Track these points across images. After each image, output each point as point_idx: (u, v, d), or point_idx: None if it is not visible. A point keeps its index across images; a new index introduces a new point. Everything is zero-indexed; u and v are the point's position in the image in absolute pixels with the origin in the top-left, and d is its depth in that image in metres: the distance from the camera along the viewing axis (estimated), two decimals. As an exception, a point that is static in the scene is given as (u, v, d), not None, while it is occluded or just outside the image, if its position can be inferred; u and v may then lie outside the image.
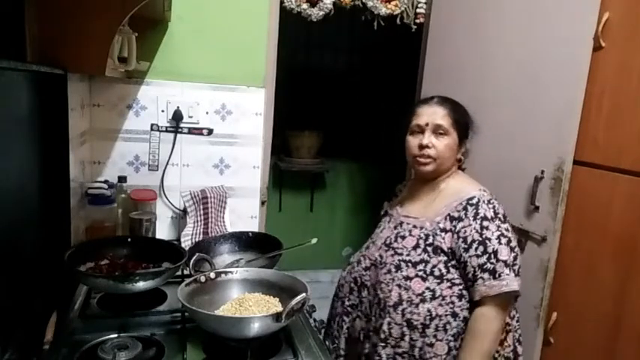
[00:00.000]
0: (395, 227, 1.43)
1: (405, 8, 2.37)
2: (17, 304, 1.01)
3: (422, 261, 1.32)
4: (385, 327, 1.32)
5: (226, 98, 1.84)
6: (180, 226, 1.82)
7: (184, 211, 1.78)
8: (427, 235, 1.34)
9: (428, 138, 1.36)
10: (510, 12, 1.80)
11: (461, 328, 1.29)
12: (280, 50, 1.94)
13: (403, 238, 1.38)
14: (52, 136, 1.23)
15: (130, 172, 1.77)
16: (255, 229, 1.90)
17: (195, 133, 1.83)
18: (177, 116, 1.78)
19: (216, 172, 1.87)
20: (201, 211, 1.74)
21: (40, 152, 1.17)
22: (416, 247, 1.34)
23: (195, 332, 1.11)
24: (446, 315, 1.29)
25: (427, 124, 1.36)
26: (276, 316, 1.01)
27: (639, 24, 1.40)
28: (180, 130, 1.80)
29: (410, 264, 1.33)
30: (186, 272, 1.35)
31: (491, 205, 1.31)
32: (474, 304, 1.29)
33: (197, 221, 1.74)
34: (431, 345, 1.29)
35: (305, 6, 2.26)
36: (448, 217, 1.33)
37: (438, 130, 1.36)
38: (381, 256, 1.40)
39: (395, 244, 1.38)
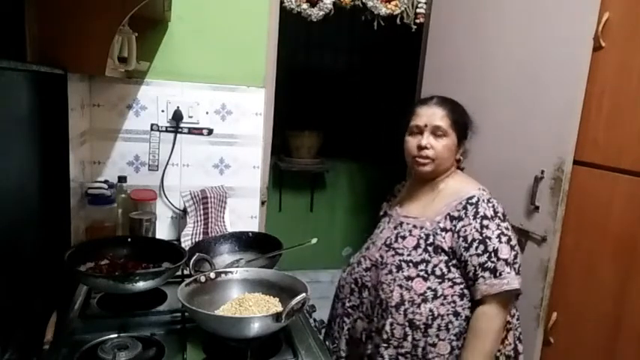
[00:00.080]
0: (395, 227, 1.43)
1: (405, 8, 2.37)
2: (17, 304, 1.01)
3: (423, 261, 1.33)
4: (387, 327, 1.32)
5: (226, 98, 1.84)
6: (180, 226, 1.82)
7: (184, 211, 1.78)
8: (427, 235, 1.34)
9: (426, 139, 1.36)
10: (510, 12, 1.80)
11: (463, 328, 1.29)
12: (280, 50, 1.94)
13: (403, 238, 1.38)
14: (52, 136, 1.23)
15: (130, 172, 1.77)
16: (255, 229, 1.90)
17: (195, 133, 1.83)
18: (177, 116, 1.78)
19: (216, 172, 1.87)
20: (201, 211, 1.74)
21: (40, 152, 1.17)
22: (416, 247, 1.35)
23: (195, 332, 1.11)
24: (448, 314, 1.29)
25: (426, 125, 1.36)
26: (276, 316, 1.01)
27: (639, 24, 1.40)
28: (180, 130, 1.80)
29: (411, 264, 1.33)
30: (186, 272, 1.35)
31: (490, 204, 1.32)
32: (475, 303, 1.29)
33: (197, 221, 1.74)
34: (433, 345, 1.29)
35: (305, 6, 2.26)
36: (448, 217, 1.33)
37: (436, 132, 1.36)
38: (381, 257, 1.40)
39: (395, 245, 1.39)
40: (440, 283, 1.31)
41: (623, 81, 1.43)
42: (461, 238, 1.30)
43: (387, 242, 1.41)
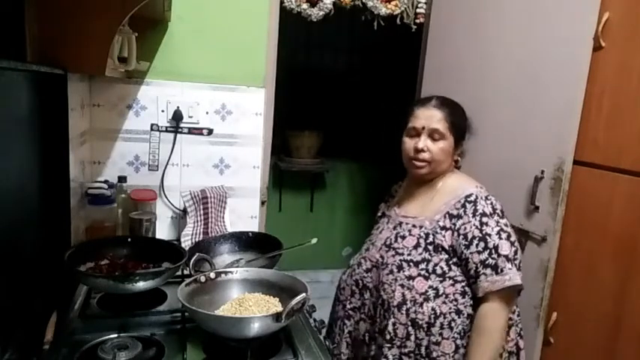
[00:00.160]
0: (394, 228, 1.43)
1: (405, 8, 2.37)
2: (17, 304, 1.01)
3: (423, 260, 1.33)
4: (390, 327, 1.32)
5: (226, 98, 1.84)
6: (180, 226, 1.82)
7: (184, 211, 1.78)
8: (427, 234, 1.35)
9: (423, 142, 1.36)
10: (510, 12, 1.80)
11: (466, 325, 1.30)
12: (280, 50, 1.94)
13: (403, 238, 1.38)
14: (52, 136, 1.23)
15: (130, 172, 1.77)
16: (255, 229, 1.90)
17: (195, 133, 1.83)
18: (177, 116, 1.78)
19: (216, 172, 1.87)
20: (201, 211, 1.74)
21: (40, 152, 1.17)
22: (417, 246, 1.35)
23: (195, 332, 1.11)
24: (450, 313, 1.29)
25: (423, 128, 1.37)
26: (276, 316, 1.01)
27: (639, 24, 1.40)
28: (180, 130, 1.80)
29: (412, 263, 1.33)
30: (186, 272, 1.35)
31: (489, 202, 1.32)
32: (477, 301, 1.29)
33: (197, 221, 1.74)
34: (437, 343, 1.29)
35: (305, 6, 2.26)
36: (447, 215, 1.34)
37: (433, 135, 1.36)
38: (382, 257, 1.40)
39: (395, 245, 1.39)
40: (441, 281, 1.31)
41: (623, 81, 1.43)
42: (461, 236, 1.30)
43: (387, 242, 1.41)
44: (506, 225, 1.31)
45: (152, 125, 1.78)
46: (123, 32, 1.33)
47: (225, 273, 1.24)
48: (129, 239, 1.46)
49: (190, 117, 1.80)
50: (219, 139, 1.85)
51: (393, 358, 1.32)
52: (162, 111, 1.78)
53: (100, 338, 1.07)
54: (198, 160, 1.85)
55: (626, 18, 1.44)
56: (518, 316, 1.39)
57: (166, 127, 1.80)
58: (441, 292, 1.30)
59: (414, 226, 1.38)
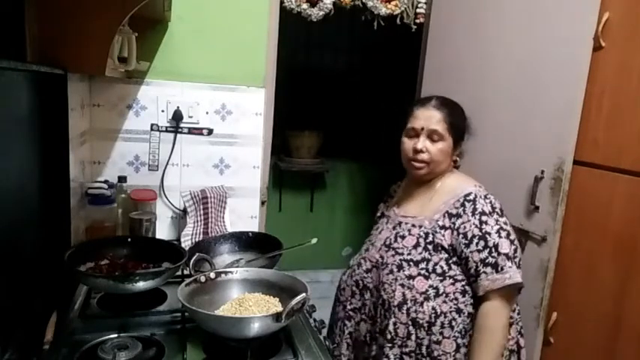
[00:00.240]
0: (394, 228, 1.43)
1: (405, 8, 2.37)
2: (17, 304, 1.01)
3: (423, 259, 1.33)
4: (391, 327, 1.32)
5: (226, 98, 1.84)
6: (180, 226, 1.82)
7: (184, 211, 1.78)
8: (427, 234, 1.35)
9: (422, 143, 1.36)
10: (510, 12, 1.80)
11: (467, 324, 1.30)
12: (280, 50, 1.94)
13: (403, 237, 1.38)
14: (52, 136, 1.23)
15: (130, 172, 1.77)
16: (255, 229, 1.90)
17: (195, 133, 1.83)
18: (177, 116, 1.78)
19: (216, 172, 1.87)
20: (201, 211, 1.74)
21: (40, 152, 1.17)
22: (416, 245, 1.35)
23: (195, 332, 1.11)
24: (450, 312, 1.30)
25: (422, 129, 1.37)
26: (276, 316, 1.01)
27: (639, 24, 1.40)
28: (180, 130, 1.80)
29: (412, 263, 1.33)
30: (186, 272, 1.35)
31: (488, 200, 1.33)
32: (477, 300, 1.30)
33: (197, 221, 1.74)
34: (438, 342, 1.29)
35: (305, 6, 2.26)
36: (446, 215, 1.34)
37: (432, 135, 1.36)
38: (382, 257, 1.40)
39: (395, 245, 1.39)
40: (441, 280, 1.31)
41: (623, 81, 1.43)
42: (460, 235, 1.30)
43: (387, 242, 1.41)
44: (505, 223, 1.31)
45: (152, 125, 1.78)
46: (123, 32, 1.33)
47: (225, 273, 1.24)
48: (129, 239, 1.46)
49: (190, 117, 1.80)
50: (219, 139, 1.85)
51: (394, 358, 1.32)
52: (162, 111, 1.78)
53: (100, 338, 1.07)
54: (198, 160, 1.85)
55: (626, 18, 1.43)
56: (518, 314, 1.40)
57: (166, 127, 1.80)
58: (441, 291, 1.30)
59: (413, 225, 1.39)
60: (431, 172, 1.39)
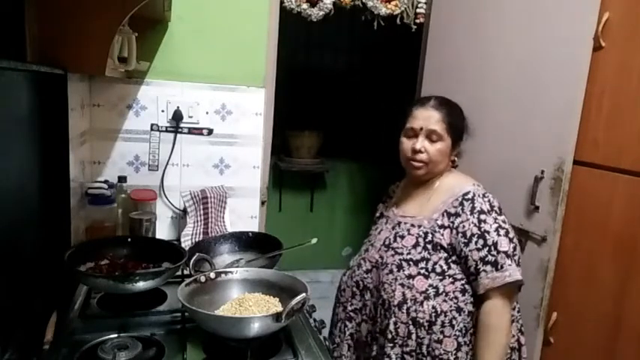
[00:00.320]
0: (393, 228, 1.43)
1: (405, 8, 2.37)
2: (17, 304, 1.01)
3: (423, 259, 1.33)
4: (391, 327, 1.32)
5: (226, 98, 1.84)
6: (180, 226, 1.82)
7: (184, 211, 1.78)
8: (426, 233, 1.35)
9: (421, 143, 1.36)
10: (510, 12, 1.80)
11: (467, 323, 1.30)
12: (280, 50, 1.94)
13: (402, 237, 1.38)
14: (52, 136, 1.23)
15: (130, 172, 1.77)
16: (255, 229, 1.90)
17: (195, 133, 1.83)
18: (177, 116, 1.78)
19: (216, 172, 1.87)
20: (201, 211, 1.74)
21: (40, 152, 1.17)
22: (416, 245, 1.35)
23: (195, 332, 1.11)
24: (451, 310, 1.30)
25: (421, 129, 1.37)
26: (276, 316, 1.01)
27: (639, 24, 1.40)
28: (180, 130, 1.80)
29: (411, 262, 1.34)
30: (186, 272, 1.35)
31: (486, 199, 1.33)
32: (478, 299, 1.30)
33: (197, 221, 1.74)
34: (439, 341, 1.29)
35: (305, 6, 2.26)
36: (445, 214, 1.34)
37: (431, 136, 1.36)
38: (381, 257, 1.40)
39: (394, 244, 1.39)
40: (441, 280, 1.31)
41: (623, 81, 1.43)
42: (460, 234, 1.30)
43: (386, 242, 1.41)
44: (504, 221, 1.31)
45: (152, 125, 1.78)
46: (123, 32, 1.33)
47: (225, 273, 1.24)
48: (129, 239, 1.46)
49: (190, 117, 1.80)
50: (219, 139, 1.85)
51: (395, 358, 1.32)
52: (162, 111, 1.78)
53: (100, 338, 1.07)
54: (198, 160, 1.85)
55: (626, 18, 1.44)
56: (518, 312, 1.40)
57: (166, 127, 1.80)
58: (441, 290, 1.31)
59: (412, 225, 1.39)
60: (429, 172, 1.39)
